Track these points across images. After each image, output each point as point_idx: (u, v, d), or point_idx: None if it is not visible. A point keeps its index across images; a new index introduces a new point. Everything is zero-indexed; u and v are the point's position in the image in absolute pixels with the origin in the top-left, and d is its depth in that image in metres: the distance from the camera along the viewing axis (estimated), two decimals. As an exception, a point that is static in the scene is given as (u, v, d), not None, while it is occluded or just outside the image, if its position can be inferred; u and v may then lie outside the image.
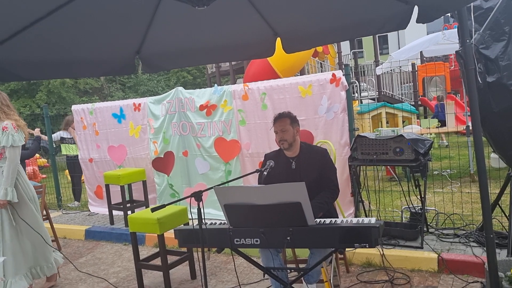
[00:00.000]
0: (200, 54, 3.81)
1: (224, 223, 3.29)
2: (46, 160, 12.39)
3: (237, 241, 3.02)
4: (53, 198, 8.11)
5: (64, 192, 8.28)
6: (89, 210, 7.34)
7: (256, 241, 2.95)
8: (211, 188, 3.19)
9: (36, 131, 6.60)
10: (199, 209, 3.10)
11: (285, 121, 3.58)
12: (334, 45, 14.55)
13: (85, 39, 3.31)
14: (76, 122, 7.23)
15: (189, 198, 3.13)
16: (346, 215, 4.89)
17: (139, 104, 6.49)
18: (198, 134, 5.97)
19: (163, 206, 3.14)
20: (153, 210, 3.09)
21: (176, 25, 3.44)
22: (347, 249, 4.24)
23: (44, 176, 11.24)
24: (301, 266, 3.87)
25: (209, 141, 5.91)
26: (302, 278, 3.38)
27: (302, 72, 10.92)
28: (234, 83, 12.70)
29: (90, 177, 7.28)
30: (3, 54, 3.03)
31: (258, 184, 3.56)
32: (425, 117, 13.37)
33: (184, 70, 26.37)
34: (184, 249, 4.54)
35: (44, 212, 5.59)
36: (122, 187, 6.12)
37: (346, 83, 4.88)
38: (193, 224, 3.38)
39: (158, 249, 4.52)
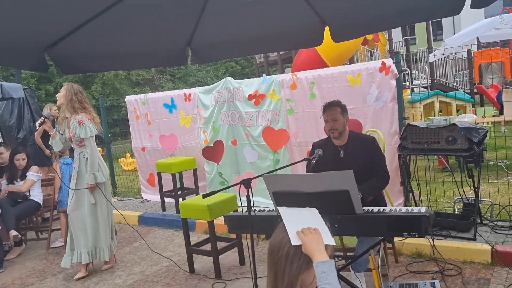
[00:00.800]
0: (248, 44, 3.87)
1: (273, 211, 3.35)
2: (102, 149, 12.92)
3: (285, 228, 3.07)
4: (109, 184, 8.47)
5: (119, 179, 8.64)
6: (142, 197, 7.63)
7: (304, 228, 2.98)
8: (260, 176, 3.26)
9: None
10: (248, 196, 3.17)
11: (335, 110, 3.59)
12: (385, 32, 14.19)
13: (138, 32, 3.44)
14: (130, 112, 7.51)
15: (239, 185, 3.22)
16: (395, 205, 4.83)
17: (189, 94, 6.66)
18: (247, 124, 6.06)
19: (214, 192, 3.24)
20: (204, 196, 3.19)
21: (226, 16, 3.50)
22: (396, 239, 4.20)
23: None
24: (348, 254, 3.88)
25: (258, 130, 5.98)
26: (350, 266, 3.40)
27: (351, 61, 10.76)
28: (283, 72, 12.70)
29: (143, 165, 7.56)
30: (64, 48, 3.21)
31: (306, 172, 3.59)
32: (482, 106, 12.82)
33: (232, 60, 26.60)
34: (233, 236, 4.66)
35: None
36: (173, 175, 6.33)
37: (396, 71, 4.79)
38: (242, 210, 3.47)
39: (208, 235, 4.67)
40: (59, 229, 5.97)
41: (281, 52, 12.90)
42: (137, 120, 7.42)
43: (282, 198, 3.10)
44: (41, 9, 2.79)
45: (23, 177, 5.60)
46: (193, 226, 5.81)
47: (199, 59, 4.10)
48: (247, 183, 3.18)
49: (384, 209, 2.96)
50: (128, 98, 7.56)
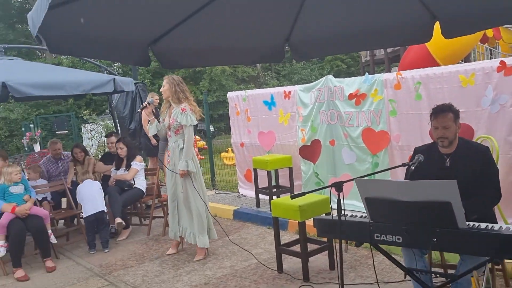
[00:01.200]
0: (350, 40, 3.69)
1: (365, 217, 3.16)
2: (205, 143, 13.44)
3: (377, 236, 2.87)
4: (208, 178, 8.76)
5: (219, 173, 8.90)
6: (239, 192, 7.76)
7: (398, 238, 2.76)
8: (353, 179, 3.09)
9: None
10: (338, 200, 3.04)
11: (447, 116, 3.18)
12: (509, 27, 12.85)
13: (237, 27, 3.45)
14: (231, 108, 7.67)
15: (330, 188, 3.08)
16: (509, 222, 4.31)
17: (289, 92, 6.60)
18: (346, 124, 5.84)
19: (303, 194, 3.15)
20: (292, 197, 3.11)
21: (326, 11, 3.37)
22: (506, 260, 3.74)
23: (202, 157, 12.16)
24: (449, 272, 3.53)
25: (357, 131, 5.74)
26: (450, 285, 3.08)
27: (466, 60, 9.91)
28: (389, 71, 12.13)
29: (241, 161, 7.68)
30: (165, 44, 3.33)
31: (405, 179, 3.33)
32: None
33: (338, 58, 26.15)
34: (325, 239, 4.51)
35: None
36: (269, 172, 6.33)
37: (518, 72, 4.27)
38: (332, 214, 3.32)
39: (299, 236, 4.57)
40: (160, 217, 6.29)
41: (388, 50, 12.31)
42: (237, 116, 7.56)
43: (375, 204, 2.91)
44: (145, 6, 2.90)
45: (128, 166, 5.98)
46: (286, 225, 5.75)
47: (298, 56, 4.02)
48: (338, 186, 3.04)
49: (493, 226, 2.63)
50: (230, 94, 7.73)
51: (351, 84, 5.77)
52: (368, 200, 2.94)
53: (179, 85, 4.80)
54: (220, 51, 3.60)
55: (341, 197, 3.02)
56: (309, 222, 4.25)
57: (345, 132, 5.89)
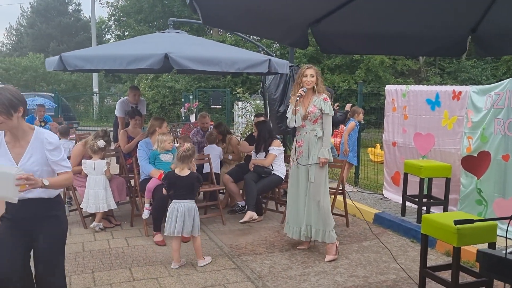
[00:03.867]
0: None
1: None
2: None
3: None
4: (352, 173, 8.28)
5: (363, 169, 8.36)
6: (383, 194, 7.16)
7: None
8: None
9: (347, 107, 7.13)
10: None
11: None
12: None
13: (410, 13, 2.93)
14: (387, 103, 7.04)
15: (509, 220, 2.45)
16: None
17: (459, 92, 5.75)
18: (528, 138, 4.87)
19: (472, 221, 2.57)
20: (457, 222, 2.55)
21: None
22: None
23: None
24: None
25: (541, 149, 4.74)
26: None
27: None
28: None
29: (390, 161, 7.04)
30: (327, 26, 2.97)
31: None
32: None
33: (517, 59, 22.89)
34: (482, 272, 3.78)
35: (340, 186, 5.69)
36: (421, 180, 5.63)
37: None
38: (506, 250, 2.68)
39: (449, 259, 3.92)
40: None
41: None
42: (393, 112, 6.91)
43: None
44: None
45: (266, 151, 5.80)
46: (433, 242, 5.06)
47: (483, 51, 3.34)
48: (519, 220, 2.40)
49: None
50: (388, 87, 7.09)
51: (542, 91, 4.76)
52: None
53: (321, 76, 4.81)
54: (388, 39, 3.12)
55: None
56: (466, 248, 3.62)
57: (525, 147, 4.91)
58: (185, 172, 4.51)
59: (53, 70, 5.46)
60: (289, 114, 4.71)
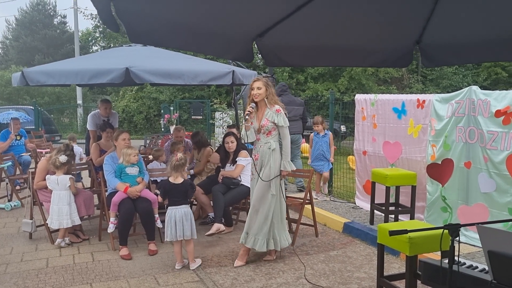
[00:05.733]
0: (496, 47, 2.95)
1: (486, 272, 2.51)
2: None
3: (497, 304, 2.23)
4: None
5: (337, 179, 8.38)
6: (355, 203, 7.19)
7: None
8: (473, 224, 2.45)
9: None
10: (452, 248, 2.45)
11: None
12: None
13: (355, 25, 2.97)
14: (357, 112, 7.10)
15: (442, 229, 2.48)
16: None
17: (423, 101, 5.82)
18: (488, 145, 4.93)
19: (406, 231, 2.60)
20: (392, 233, 2.57)
21: (464, 11, 2.72)
22: None
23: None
24: None
25: (501, 156, 4.80)
26: None
27: None
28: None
29: (361, 170, 7.08)
30: (271, 39, 3.00)
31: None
32: None
33: (498, 65, 23.18)
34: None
35: (308, 196, 5.70)
36: (387, 188, 5.67)
37: None
38: (441, 259, 2.72)
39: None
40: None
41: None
42: (363, 121, 6.97)
43: (502, 262, 2.25)
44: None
45: (234, 162, 5.81)
46: (398, 251, 5.08)
47: (429, 62, 3.38)
48: (453, 229, 2.44)
49: None
50: (358, 96, 7.15)
51: (500, 99, 4.83)
52: (492, 255, 2.30)
53: (272, 88, 4.72)
54: (333, 50, 3.17)
55: (456, 243, 2.44)
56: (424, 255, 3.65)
57: (485, 154, 4.97)
58: (179, 180, 4.76)
59: (17, 86, 5.44)
60: (242, 131, 4.70)
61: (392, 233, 2.53)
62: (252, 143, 4.89)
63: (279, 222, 4.85)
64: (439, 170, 5.55)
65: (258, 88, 4.59)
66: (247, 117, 4.50)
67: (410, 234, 3.51)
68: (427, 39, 3.19)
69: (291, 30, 2.97)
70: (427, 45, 3.23)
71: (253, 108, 4.60)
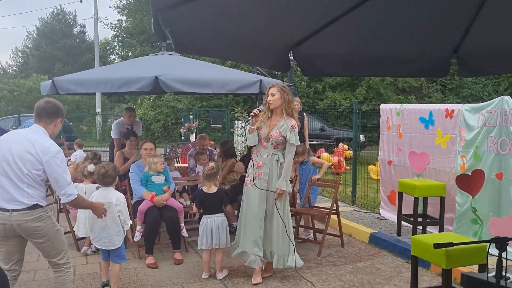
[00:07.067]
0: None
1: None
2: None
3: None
4: (349, 191, 8.23)
5: (361, 188, 8.30)
6: (379, 213, 7.09)
7: None
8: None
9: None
10: (499, 261, 2.38)
11: None
12: None
13: (391, 35, 2.94)
14: (382, 121, 7.03)
15: (489, 243, 2.42)
16: None
17: (452, 111, 5.73)
18: (521, 156, 4.83)
19: (451, 244, 2.54)
20: (436, 246, 2.51)
21: (505, 21, 2.67)
22: None
23: (348, 167, 11.57)
24: None
25: (535, 167, 4.70)
26: None
27: None
28: None
29: (386, 180, 6.99)
30: (307, 49, 2.99)
31: None
32: None
33: (520, 75, 22.86)
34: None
35: (334, 206, 5.63)
36: (416, 199, 5.58)
37: None
38: (487, 273, 2.64)
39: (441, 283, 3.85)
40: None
41: None
42: (388, 130, 6.89)
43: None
44: (287, 8, 2.59)
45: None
46: (428, 263, 4.98)
47: (466, 72, 3.34)
48: (500, 243, 2.37)
49: None
50: (383, 106, 7.09)
51: (534, 109, 4.74)
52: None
53: (289, 95, 4.41)
54: (369, 60, 3.13)
55: (503, 257, 2.37)
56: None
57: (518, 166, 4.87)
58: (213, 189, 4.73)
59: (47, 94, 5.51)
60: (246, 132, 4.52)
61: (437, 246, 2.47)
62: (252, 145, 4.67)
63: (279, 237, 4.57)
64: (469, 181, 5.45)
65: (272, 95, 4.37)
66: (250, 119, 4.35)
67: (447, 248, 3.45)
68: (466, 48, 3.15)
69: (327, 40, 2.95)
70: (466, 55, 3.19)
71: (259, 111, 4.43)
